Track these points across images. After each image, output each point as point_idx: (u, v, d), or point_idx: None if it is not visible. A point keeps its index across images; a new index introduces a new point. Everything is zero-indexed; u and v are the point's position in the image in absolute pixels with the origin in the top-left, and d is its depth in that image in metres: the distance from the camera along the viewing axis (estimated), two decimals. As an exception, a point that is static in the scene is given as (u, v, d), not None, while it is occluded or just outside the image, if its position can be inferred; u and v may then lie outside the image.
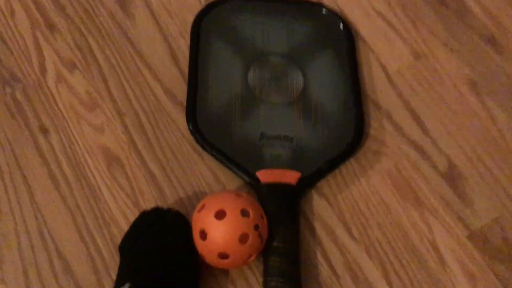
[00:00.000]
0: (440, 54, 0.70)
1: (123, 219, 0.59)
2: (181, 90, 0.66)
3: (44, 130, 0.63)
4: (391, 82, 0.68)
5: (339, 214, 0.61)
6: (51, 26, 0.69)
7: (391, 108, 0.67)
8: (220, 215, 0.52)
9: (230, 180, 0.61)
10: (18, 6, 0.70)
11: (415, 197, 0.62)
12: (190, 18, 0.70)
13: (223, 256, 0.52)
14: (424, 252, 0.59)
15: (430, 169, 0.63)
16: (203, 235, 0.52)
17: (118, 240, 0.56)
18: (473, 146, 0.65)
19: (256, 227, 0.53)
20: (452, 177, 0.63)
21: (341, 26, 0.71)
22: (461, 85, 0.68)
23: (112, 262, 0.56)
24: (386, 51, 0.70)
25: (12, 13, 0.70)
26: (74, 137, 0.63)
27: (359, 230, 0.60)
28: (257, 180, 0.60)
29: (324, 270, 0.58)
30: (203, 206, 0.54)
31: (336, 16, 0.71)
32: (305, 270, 0.57)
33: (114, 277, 0.54)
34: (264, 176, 0.60)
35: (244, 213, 0.52)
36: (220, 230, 0.52)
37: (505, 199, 0.62)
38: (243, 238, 0.52)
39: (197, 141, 0.62)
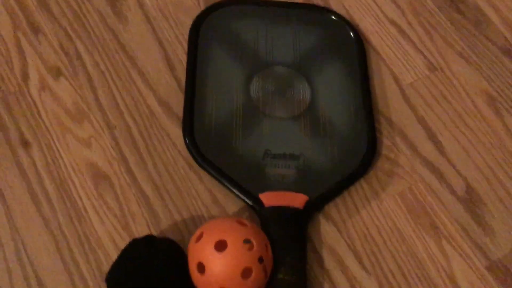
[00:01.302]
0: (456, 67, 0.69)
1: (111, 245, 0.56)
2: (177, 101, 0.63)
3: (25, 144, 0.60)
4: (404, 96, 0.67)
5: (349, 241, 0.58)
6: (35, 28, 0.67)
7: (404, 124, 0.65)
8: (220, 246, 0.49)
9: (230, 202, 0.58)
10: (-1, 5, 0.68)
11: (431, 223, 0.59)
12: (188, 22, 0.68)
13: (223, 291, 0.49)
14: (441, 285, 0.56)
15: (446, 192, 0.61)
16: (201, 268, 0.49)
17: (105, 267, 0.54)
18: (492, 167, 0.63)
19: (261, 260, 0.50)
20: (470, 201, 0.61)
21: (351, 34, 0.69)
22: (479, 100, 0.67)
23: (99, 293, 0.54)
24: (399, 62, 0.69)
25: (-8, 12, 0.68)
26: (59, 151, 0.60)
27: (370, 260, 0.57)
28: (260, 203, 0.57)
29: (332, 305, 0.55)
30: (201, 235, 0.51)
31: (345, 23, 0.70)
32: (312, 304, 0.55)
33: (101, 311, 0.51)
34: (268, 199, 0.57)
35: (247, 244, 0.49)
36: (220, 264, 0.48)
37: (528, 227, 0.60)
38: (246, 273, 0.49)
39: (194, 158, 0.59)
